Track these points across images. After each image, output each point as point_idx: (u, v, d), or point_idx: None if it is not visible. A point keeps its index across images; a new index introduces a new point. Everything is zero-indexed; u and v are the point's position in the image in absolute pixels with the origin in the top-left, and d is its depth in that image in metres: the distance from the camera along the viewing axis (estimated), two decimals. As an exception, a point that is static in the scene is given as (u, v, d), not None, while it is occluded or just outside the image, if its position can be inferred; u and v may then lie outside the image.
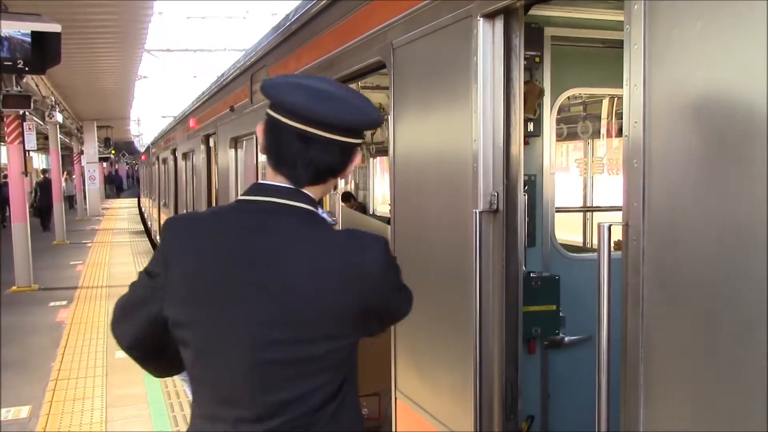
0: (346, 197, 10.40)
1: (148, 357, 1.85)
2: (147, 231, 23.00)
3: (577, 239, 6.77)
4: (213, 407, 1.67)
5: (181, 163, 13.38)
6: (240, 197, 1.70)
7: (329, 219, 1.72)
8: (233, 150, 7.74)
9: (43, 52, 8.85)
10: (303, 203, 1.65)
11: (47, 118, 18.19)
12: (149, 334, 1.73)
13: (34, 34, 8.69)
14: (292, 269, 1.59)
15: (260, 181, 1.72)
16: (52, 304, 10.71)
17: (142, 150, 37.03)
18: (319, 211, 1.70)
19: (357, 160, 1.72)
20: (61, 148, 22.35)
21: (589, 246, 6.43)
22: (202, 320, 1.62)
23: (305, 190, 1.66)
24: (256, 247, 1.60)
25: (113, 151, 37.74)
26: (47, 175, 22.67)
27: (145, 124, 47.10)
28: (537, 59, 3.47)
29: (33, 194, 23.58)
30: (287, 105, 1.61)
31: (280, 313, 1.57)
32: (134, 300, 1.76)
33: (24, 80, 12.35)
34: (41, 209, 22.81)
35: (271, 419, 1.59)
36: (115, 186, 54.06)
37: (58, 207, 19.64)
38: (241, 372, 1.60)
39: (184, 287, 1.64)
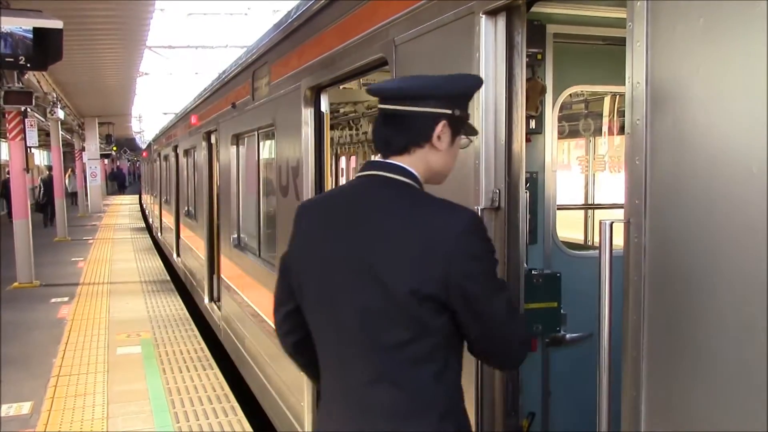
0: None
1: (305, 346, 2.03)
2: (148, 228, 23.02)
3: (578, 237, 6.77)
4: (326, 365, 1.94)
5: (182, 159, 13.38)
6: (357, 173, 1.98)
7: None
8: (235, 147, 7.74)
9: (45, 48, 8.86)
10: (395, 174, 1.85)
11: (49, 115, 18.19)
12: (293, 308, 2.03)
13: (36, 31, 8.69)
14: (385, 232, 1.78)
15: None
16: (53, 300, 10.72)
17: (144, 147, 37.03)
18: None
19: (439, 129, 1.85)
20: (62, 145, 22.33)
21: (590, 243, 6.43)
22: (315, 274, 1.91)
23: (395, 161, 1.87)
24: (357, 214, 1.85)
25: (114, 148, 37.73)
26: (52, 173, 22.68)
27: (147, 120, 47.03)
28: (539, 56, 3.46)
29: (38, 190, 23.65)
30: (375, 91, 1.91)
31: (373, 272, 1.76)
32: (277, 280, 2.10)
33: (26, 77, 12.35)
34: (45, 206, 22.83)
35: (370, 362, 1.79)
36: (117, 183, 54.00)
37: (60, 203, 19.65)
38: (342, 318, 1.84)
39: (303, 255, 1.97)
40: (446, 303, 1.73)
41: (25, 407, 6.00)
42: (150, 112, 43.57)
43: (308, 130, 4.54)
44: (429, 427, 1.76)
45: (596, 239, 5.87)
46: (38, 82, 15.35)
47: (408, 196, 1.83)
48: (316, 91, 4.48)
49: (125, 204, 36.88)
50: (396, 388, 1.76)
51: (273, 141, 5.77)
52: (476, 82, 1.96)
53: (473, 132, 1.99)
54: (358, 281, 1.79)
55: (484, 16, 2.39)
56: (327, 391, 1.97)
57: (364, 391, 1.80)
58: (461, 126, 1.91)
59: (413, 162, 1.87)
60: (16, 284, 11.99)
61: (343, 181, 14.50)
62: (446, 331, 1.76)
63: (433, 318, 1.73)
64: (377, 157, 1.93)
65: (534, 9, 2.71)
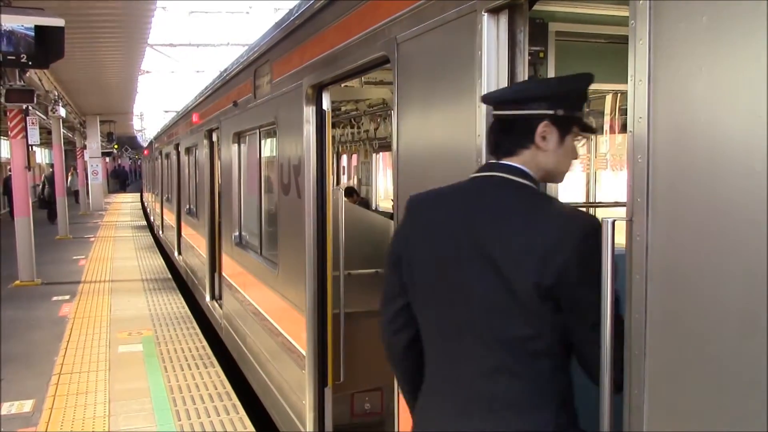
0: (349, 193, 10.40)
1: (415, 347, 2.07)
2: (149, 226, 23.03)
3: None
4: (436, 357, 1.98)
5: (184, 158, 13.39)
6: (473, 174, 2.03)
7: None
8: (236, 145, 7.74)
9: (47, 46, 8.87)
10: (512, 175, 1.90)
11: (50, 113, 18.20)
12: (404, 304, 2.06)
13: (38, 29, 8.71)
14: (506, 230, 1.82)
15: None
16: (55, 298, 10.73)
17: (145, 145, 37.04)
18: None
19: (540, 130, 1.90)
20: (64, 143, 22.35)
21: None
22: (431, 269, 1.95)
23: (507, 161, 1.93)
24: (476, 212, 1.89)
25: (116, 146, 37.73)
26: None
27: (148, 118, 47.09)
28: (541, 54, 3.45)
29: (41, 187, 23.71)
30: (486, 98, 2.07)
31: (495, 268, 1.80)
32: (385, 278, 2.13)
33: (27, 75, 12.35)
34: (49, 202, 22.88)
35: (489, 355, 1.83)
36: (120, 181, 54.02)
37: (61, 201, 19.67)
38: (460, 312, 1.88)
39: (417, 250, 2.00)
40: (560, 301, 1.77)
41: (27, 405, 6.01)
42: (151, 110, 43.70)
43: (310, 128, 4.54)
44: (547, 418, 1.81)
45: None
46: (40, 80, 15.36)
47: (527, 196, 1.88)
48: (318, 89, 4.48)
49: (127, 202, 36.90)
50: (516, 379, 1.81)
51: (274, 139, 5.76)
52: (581, 82, 1.97)
53: (588, 129, 2.02)
54: (480, 277, 1.83)
55: (486, 14, 2.39)
56: (435, 384, 2.00)
57: (481, 382, 1.85)
58: (570, 125, 1.93)
59: (523, 162, 1.92)
60: (17, 282, 11.99)
61: (344, 179, 14.53)
62: (562, 329, 1.80)
63: (551, 314, 1.77)
64: (491, 159, 2.00)
65: (536, 7, 2.70)
